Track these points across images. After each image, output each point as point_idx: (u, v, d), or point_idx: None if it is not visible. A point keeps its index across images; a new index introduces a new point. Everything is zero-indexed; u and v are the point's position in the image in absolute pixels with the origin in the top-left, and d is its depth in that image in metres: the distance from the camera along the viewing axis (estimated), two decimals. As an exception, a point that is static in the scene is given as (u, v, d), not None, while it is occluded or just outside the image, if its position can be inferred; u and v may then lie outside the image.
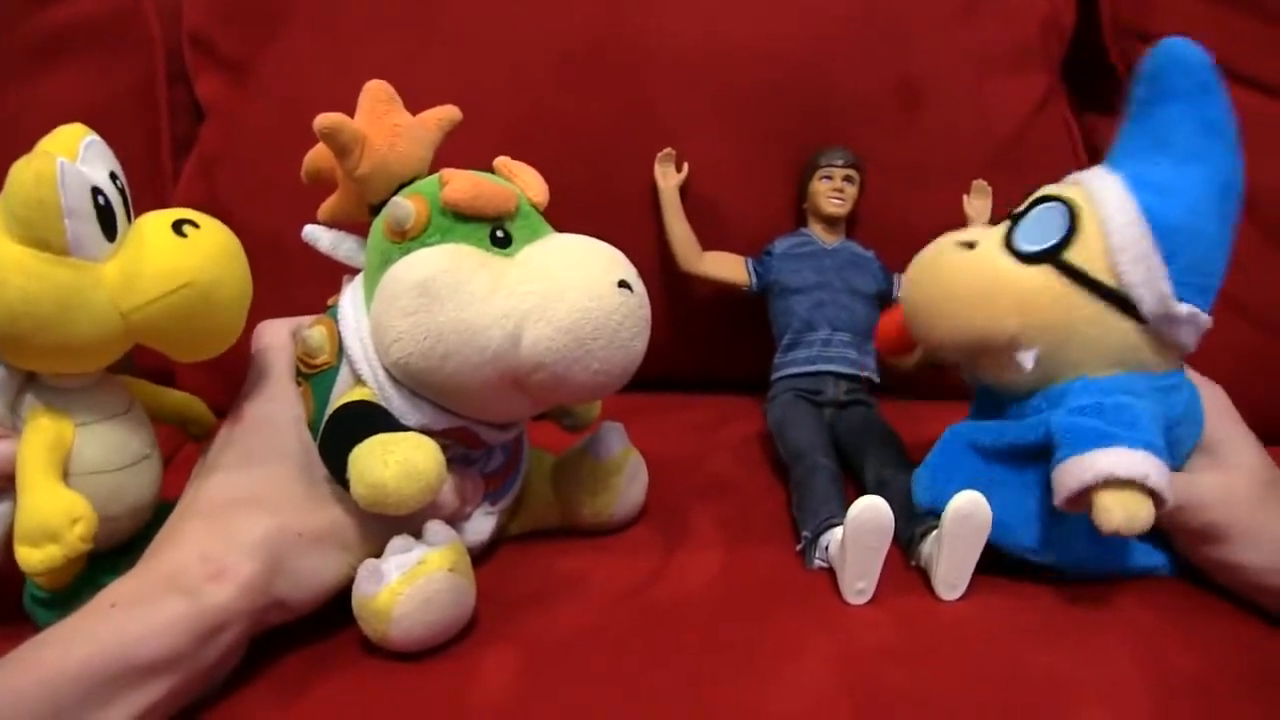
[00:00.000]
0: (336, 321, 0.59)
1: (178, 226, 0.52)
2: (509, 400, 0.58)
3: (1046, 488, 0.56)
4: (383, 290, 0.56)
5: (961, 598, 0.58)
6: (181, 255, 0.51)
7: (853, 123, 0.92)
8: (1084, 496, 0.53)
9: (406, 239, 0.56)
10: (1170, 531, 0.60)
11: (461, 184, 0.56)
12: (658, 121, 0.92)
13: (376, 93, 0.61)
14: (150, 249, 0.51)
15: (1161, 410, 0.57)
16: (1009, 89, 0.95)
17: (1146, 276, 0.55)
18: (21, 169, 0.47)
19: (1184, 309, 0.56)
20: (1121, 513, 0.52)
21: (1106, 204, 0.57)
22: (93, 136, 0.54)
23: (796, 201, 0.92)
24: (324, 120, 0.57)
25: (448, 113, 0.64)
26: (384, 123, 0.60)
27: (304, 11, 0.94)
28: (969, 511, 0.56)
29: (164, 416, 0.64)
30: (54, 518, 0.49)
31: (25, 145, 0.51)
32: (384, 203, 0.58)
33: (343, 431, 0.55)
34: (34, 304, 0.48)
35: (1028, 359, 0.58)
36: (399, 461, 0.51)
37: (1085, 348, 0.57)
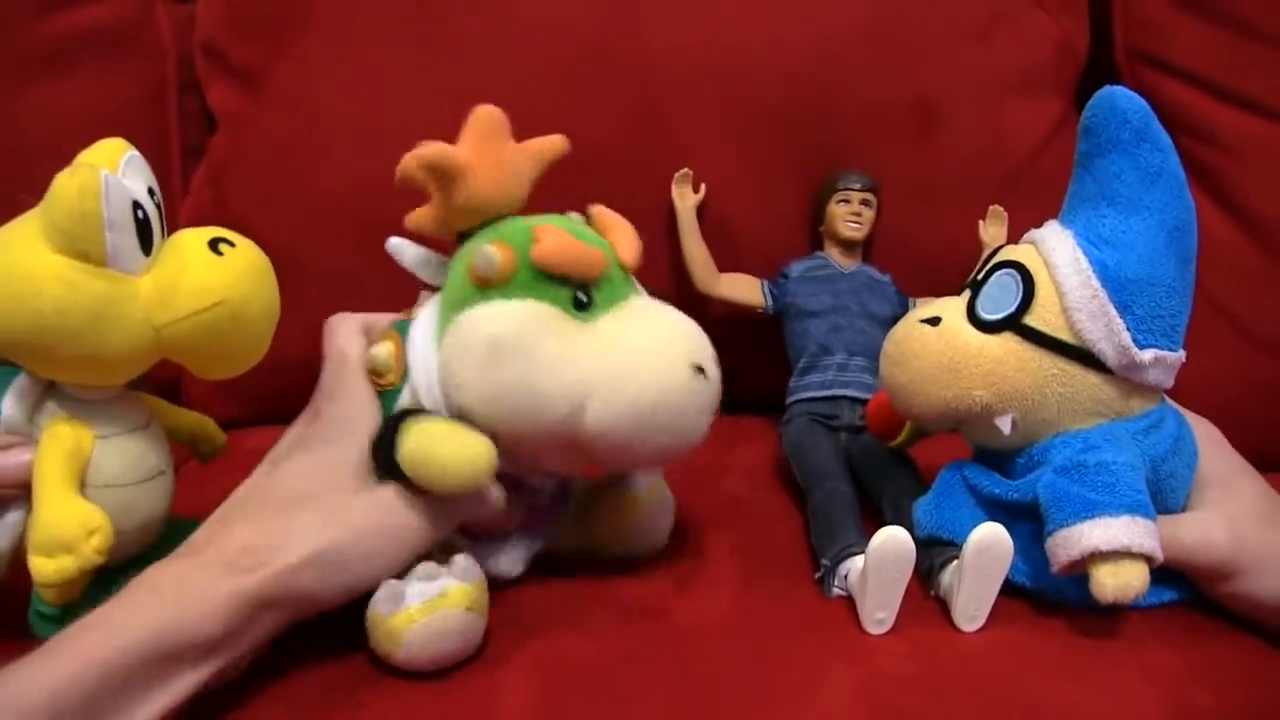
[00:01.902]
0: (404, 338, 0.59)
1: (214, 244, 0.52)
2: (565, 459, 0.58)
3: (1036, 537, 0.58)
4: (456, 334, 0.55)
5: (981, 629, 0.58)
6: (217, 273, 0.52)
7: (867, 144, 0.92)
8: (1077, 565, 0.55)
9: (489, 287, 0.56)
10: (1186, 572, 0.60)
11: (553, 244, 0.55)
12: (669, 139, 0.92)
13: (485, 122, 0.59)
14: (186, 265, 0.52)
15: (1144, 454, 0.58)
16: (1024, 112, 0.95)
17: (1105, 331, 0.57)
18: (66, 181, 0.47)
19: (1147, 355, 0.57)
20: (1113, 583, 0.54)
21: (1059, 265, 0.58)
22: (133, 152, 0.54)
23: (810, 223, 0.92)
24: (428, 153, 0.55)
25: (554, 144, 0.63)
26: (489, 155, 0.58)
27: (317, 23, 0.93)
28: (989, 544, 0.56)
29: (175, 435, 0.63)
30: (70, 529, 0.49)
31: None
32: (472, 232, 0.58)
33: (399, 422, 0.55)
34: (68, 314, 0.48)
35: (1005, 424, 0.59)
36: (456, 437, 0.52)
37: (1059, 405, 0.59)
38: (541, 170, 0.63)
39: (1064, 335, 0.58)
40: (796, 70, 0.92)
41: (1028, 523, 0.59)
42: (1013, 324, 0.59)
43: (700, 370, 0.56)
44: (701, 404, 0.56)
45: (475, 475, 0.52)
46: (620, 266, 0.60)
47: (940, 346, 0.60)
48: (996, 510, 0.61)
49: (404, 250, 0.61)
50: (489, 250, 0.55)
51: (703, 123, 0.92)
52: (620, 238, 0.60)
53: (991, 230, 0.90)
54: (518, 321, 0.54)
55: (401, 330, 0.60)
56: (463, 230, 0.60)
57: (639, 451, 0.55)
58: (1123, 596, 0.54)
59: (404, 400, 0.59)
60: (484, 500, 0.57)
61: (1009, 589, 0.59)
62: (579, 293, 0.57)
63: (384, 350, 0.59)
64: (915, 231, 0.92)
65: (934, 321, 0.61)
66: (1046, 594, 0.60)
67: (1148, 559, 0.55)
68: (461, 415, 0.55)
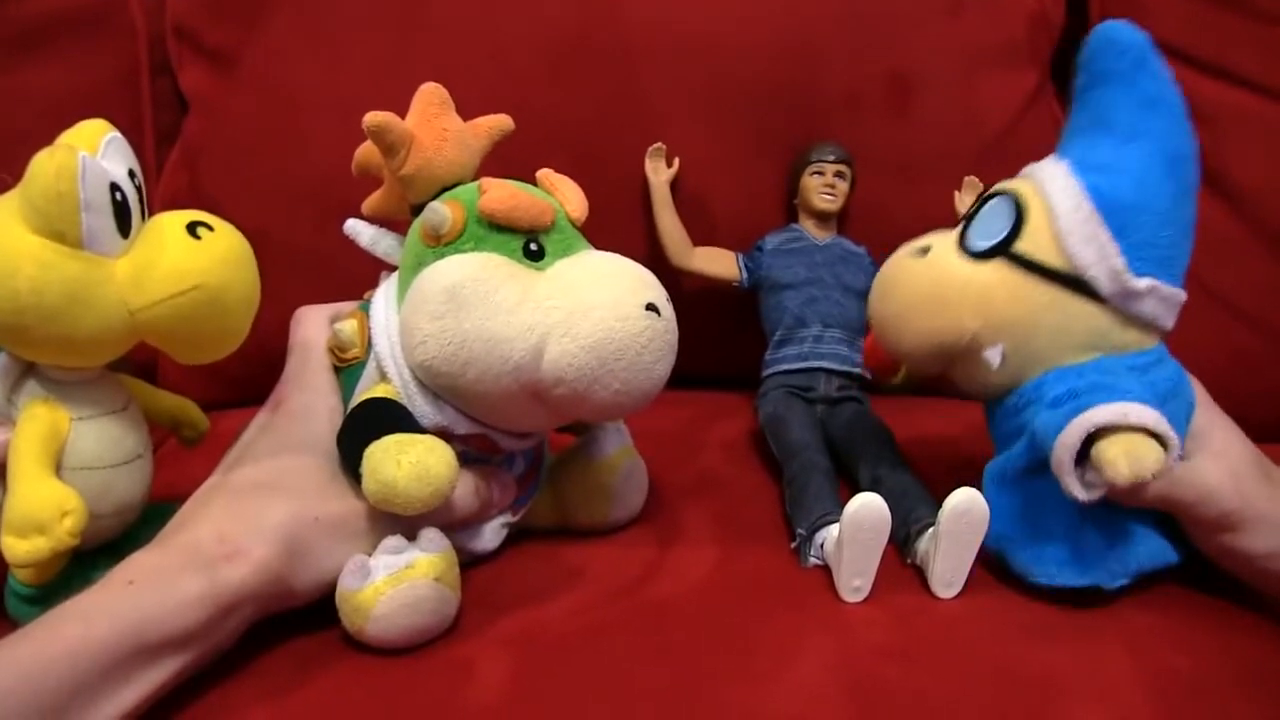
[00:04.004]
0: (369, 316, 0.60)
1: (192, 228, 0.52)
2: (529, 411, 0.58)
3: (1032, 504, 0.57)
4: (413, 292, 0.56)
5: (958, 595, 0.58)
6: (193, 257, 0.51)
7: (842, 118, 0.92)
8: (1091, 482, 0.52)
9: (441, 244, 0.57)
10: (1185, 524, 0.59)
11: (499, 194, 0.57)
12: (645, 115, 0.92)
13: (429, 96, 0.61)
14: (163, 249, 0.51)
15: (1147, 388, 0.56)
16: (998, 84, 0.95)
17: (1098, 255, 0.55)
18: (44, 161, 0.47)
19: (1142, 283, 0.55)
20: (1126, 459, 0.49)
21: (1052, 191, 0.57)
22: (115, 133, 0.54)
23: (786, 197, 0.92)
24: (373, 118, 0.57)
25: (499, 122, 0.65)
26: (433, 126, 0.60)
27: (290, 3, 0.93)
28: (965, 509, 0.56)
29: (157, 418, 0.64)
30: (44, 510, 0.49)
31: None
32: (425, 204, 0.58)
33: (361, 426, 0.56)
34: (42, 295, 0.48)
35: (994, 356, 0.58)
36: (412, 463, 0.52)
37: (1051, 337, 0.57)
38: (489, 145, 0.64)
39: (1056, 262, 0.56)
40: (772, 46, 0.92)
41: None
42: (1003, 251, 0.57)
43: (654, 309, 0.56)
44: (657, 344, 0.56)
45: (432, 501, 0.53)
46: (570, 221, 0.61)
47: (929, 275, 0.59)
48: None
49: (360, 231, 0.63)
50: (438, 207, 0.57)
51: (679, 99, 0.92)
52: (566, 194, 0.62)
53: (967, 201, 0.90)
54: (472, 270, 0.55)
55: (366, 309, 0.61)
56: (416, 204, 0.61)
57: (598, 395, 0.55)
58: (1139, 472, 0.49)
59: (368, 371, 0.60)
60: (451, 508, 0.57)
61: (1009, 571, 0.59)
62: (530, 242, 0.58)
63: (348, 326, 0.61)
64: (891, 204, 0.91)
65: (923, 251, 0.60)
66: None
67: (1162, 442, 0.51)
68: (424, 373, 0.56)
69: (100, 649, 0.44)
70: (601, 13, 0.91)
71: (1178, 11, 0.92)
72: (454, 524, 0.59)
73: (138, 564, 0.49)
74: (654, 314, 0.56)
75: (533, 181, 0.62)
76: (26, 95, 0.89)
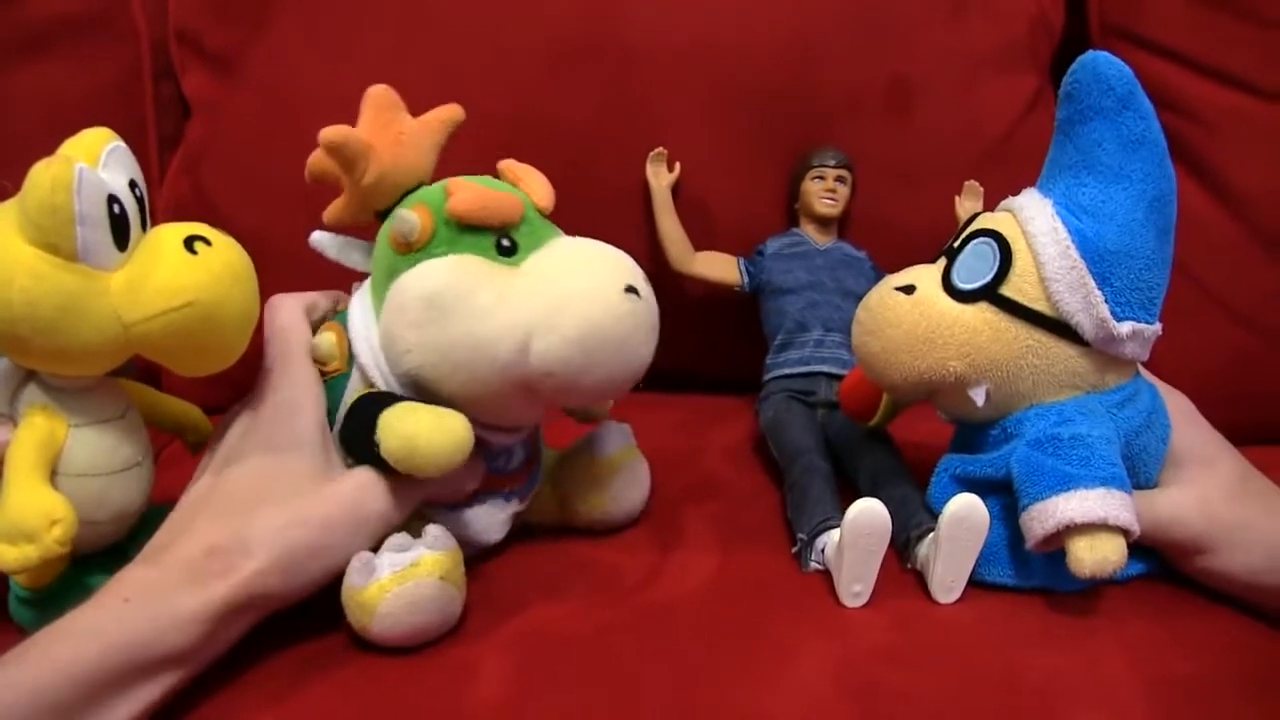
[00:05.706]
0: (345, 327, 0.59)
1: (189, 243, 0.52)
2: (519, 405, 0.58)
3: (1005, 519, 0.59)
4: (391, 302, 0.56)
5: (958, 600, 0.58)
6: (189, 273, 0.51)
7: (842, 122, 0.92)
8: (1053, 540, 0.55)
9: (412, 251, 0.56)
10: (1158, 548, 0.60)
11: (467, 195, 0.56)
12: (646, 119, 0.92)
13: (379, 100, 0.61)
14: (158, 263, 0.51)
15: (1119, 427, 0.58)
16: (999, 89, 0.95)
17: (1083, 303, 0.56)
18: (40, 172, 0.47)
19: (1125, 328, 0.57)
20: (1090, 558, 0.54)
21: (1037, 235, 0.58)
22: (117, 142, 0.54)
23: (786, 201, 0.92)
24: (330, 134, 0.57)
25: (450, 113, 0.64)
26: (389, 131, 0.60)
27: (292, 6, 0.93)
28: (965, 514, 0.56)
29: (161, 423, 0.64)
30: (33, 518, 0.49)
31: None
32: (389, 209, 0.58)
33: (368, 410, 0.55)
34: (35, 306, 0.47)
35: (979, 395, 0.59)
36: (430, 415, 0.53)
37: (1034, 378, 0.58)
38: (443, 140, 0.64)
39: (1041, 306, 0.57)
40: (772, 50, 0.92)
41: (996, 501, 0.59)
42: (989, 294, 0.58)
43: (632, 290, 0.56)
44: (641, 326, 0.57)
45: (454, 454, 0.53)
46: (538, 211, 0.60)
47: (915, 316, 0.59)
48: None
49: (326, 244, 0.63)
50: (405, 214, 0.56)
51: (679, 103, 0.92)
52: (531, 184, 0.61)
53: (967, 205, 0.90)
54: (447, 275, 0.55)
55: (342, 321, 0.61)
56: (380, 210, 0.61)
57: (588, 381, 0.55)
58: (1100, 571, 0.53)
59: (353, 382, 0.59)
60: (449, 478, 0.56)
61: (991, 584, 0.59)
62: (501, 239, 0.57)
63: (326, 340, 0.60)
64: (892, 209, 0.92)
65: (908, 289, 0.60)
66: (1025, 585, 0.60)
67: (1124, 533, 0.54)
68: (411, 381, 0.56)
69: (97, 668, 0.44)
70: (602, 16, 0.91)
71: (1177, 14, 0.93)
72: (463, 495, 0.59)
73: (132, 579, 0.49)
74: (634, 296, 0.56)
75: (493, 171, 0.62)
76: (28, 99, 0.89)
